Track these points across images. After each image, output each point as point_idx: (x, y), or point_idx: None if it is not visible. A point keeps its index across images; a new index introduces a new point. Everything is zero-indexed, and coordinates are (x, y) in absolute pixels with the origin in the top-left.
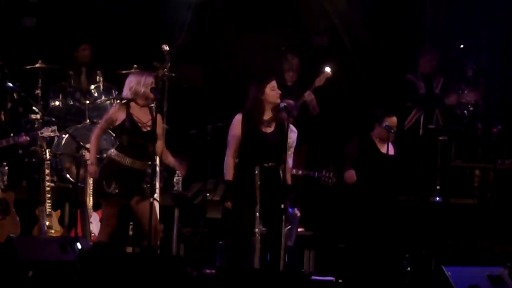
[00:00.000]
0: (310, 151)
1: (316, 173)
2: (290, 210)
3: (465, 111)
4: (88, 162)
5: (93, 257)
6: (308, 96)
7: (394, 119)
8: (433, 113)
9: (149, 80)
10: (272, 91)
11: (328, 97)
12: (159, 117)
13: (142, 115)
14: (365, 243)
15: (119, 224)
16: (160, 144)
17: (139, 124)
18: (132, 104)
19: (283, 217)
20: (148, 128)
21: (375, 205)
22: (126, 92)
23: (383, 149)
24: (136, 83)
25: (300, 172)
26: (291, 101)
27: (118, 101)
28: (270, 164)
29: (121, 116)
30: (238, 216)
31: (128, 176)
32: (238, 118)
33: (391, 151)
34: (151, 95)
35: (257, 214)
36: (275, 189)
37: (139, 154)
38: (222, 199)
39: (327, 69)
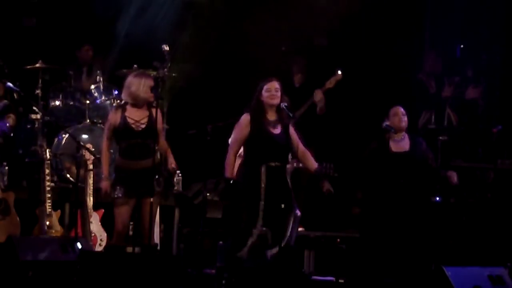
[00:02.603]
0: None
1: (316, 164)
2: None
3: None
4: (103, 176)
5: (93, 257)
6: (317, 95)
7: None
8: (444, 112)
9: (149, 82)
10: (266, 92)
11: (336, 98)
12: (155, 113)
13: (137, 115)
14: (375, 242)
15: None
16: (161, 141)
17: (133, 125)
18: (129, 105)
19: (288, 217)
20: (143, 126)
21: (387, 204)
22: (125, 94)
23: (394, 148)
24: (135, 86)
25: (300, 164)
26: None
27: (115, 104)
28: (276, 163)
29: (118, 120)
30: (239, 215)
31: (134, 177)
32: (246, 118)
33: (406, 147)
34: (151, 98)
35: (261, 213)
36: (280, 189)
37: (140, 154)
38: (222, 197)
39: (338, 72)
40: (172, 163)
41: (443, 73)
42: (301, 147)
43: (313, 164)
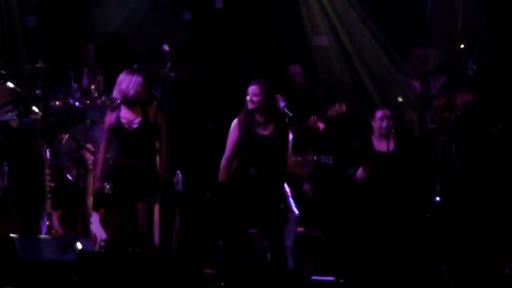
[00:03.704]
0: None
1: (315, 157)
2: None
3: (454, 114)
4: (95, 178)
5: (93, 257)
6: (312, 123)
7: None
8: (426, 113)
9: (139, 80)
10: (247, 96)
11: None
12: (152, 111)
13: (131, 114)
14: (364, 241)
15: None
16: (161, 142)
17: (126, 125)
18: (123, 105)
19: (283, 217)
20: (135, 126)
21: (372, 203)
22: (116, 92)
23: (381, 147)
24: (126, 84)
25: (299, 158)
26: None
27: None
28: (265, 165)
29: (113, 120)
30: (230, 217)
31: (126, 176)
32: (235, 122)
33: (391, 147)
34: (142, 96)
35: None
36: (271, 190)
37: (133, 153)
38: (213, 200)
39: (343, 105)
40: (162, 176)
41: (429, 74)
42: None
43: (294, 171)
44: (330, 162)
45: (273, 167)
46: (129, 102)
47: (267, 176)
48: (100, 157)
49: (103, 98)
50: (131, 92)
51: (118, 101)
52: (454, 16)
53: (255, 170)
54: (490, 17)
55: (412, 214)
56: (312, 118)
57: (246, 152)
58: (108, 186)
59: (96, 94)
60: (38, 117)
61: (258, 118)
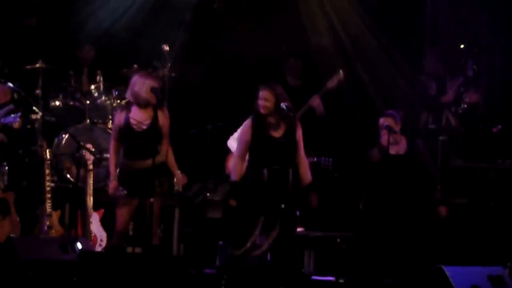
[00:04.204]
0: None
1: (315, 158)
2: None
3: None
4: (110, 176)
5: (93, 257)
6: (315, 101)
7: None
8: (442, 115)
9: (151, 84)
10: (258, 100)
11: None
12: (161, 115)
13: (141, 115)
14: (372, 243)
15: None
16: (163, 147)
17: (134, 126)
18: (134, 105)
19: (288, 218)
20: (144, 127)
21: (384, 207)
22: (128, 93)
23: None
24: (138, 86)
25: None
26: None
27: (121, 105)
28: (278, 166)
29: (122, 120)
30: (240, 217)
31: (136, 178)
32: (248, 123)
33: (402, 150)
34: (152, 99)
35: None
36: (283, 191)
37: (142, 155)
38: (226, 198)
39: (340, 72)
40: (178, 181)
41: (446, 74)
42: (299, 154)
43: (306, 176)
44: (331, 163)
45: (285, 168)
46: (141, 104)
47: (279, 177)
48: (111, 156)
49: (103, 98)
50: (143, 95)
51: (130, 103)
52: (454, 16)
53: (268, 172)
54: (490, 16)
55: (415, 214)
56: (313, 97)
57: (259, 153)
58: (120, 189)
59: (96, 94)
60: (38, 117)
61: (271, 120)
